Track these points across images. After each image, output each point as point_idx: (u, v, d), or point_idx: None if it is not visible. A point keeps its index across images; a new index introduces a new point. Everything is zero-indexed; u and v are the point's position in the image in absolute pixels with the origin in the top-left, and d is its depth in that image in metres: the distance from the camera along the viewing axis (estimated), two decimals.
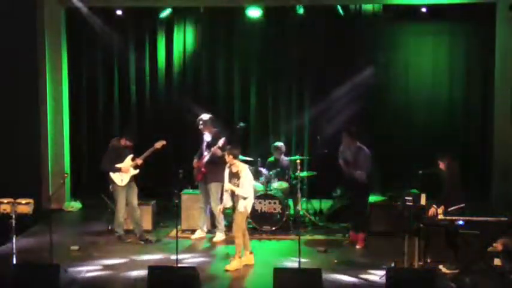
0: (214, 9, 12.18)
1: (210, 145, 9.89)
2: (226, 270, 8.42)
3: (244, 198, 8.50)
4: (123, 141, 9.66)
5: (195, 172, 10.04)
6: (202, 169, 9.87)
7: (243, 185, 8.48)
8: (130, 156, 9.65)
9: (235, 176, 8.57)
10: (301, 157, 10.66)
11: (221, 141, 9.67)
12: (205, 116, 10.00)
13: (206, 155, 9.86)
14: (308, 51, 12.38)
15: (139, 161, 9.67)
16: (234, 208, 8.66)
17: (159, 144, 9.71)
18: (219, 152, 9.65)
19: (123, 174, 9.59)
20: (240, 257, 8.55)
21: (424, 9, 11.64)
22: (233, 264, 8.50)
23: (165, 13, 12.14)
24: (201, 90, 12.71)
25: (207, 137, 9.99)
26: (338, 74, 12.20)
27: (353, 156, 9.37)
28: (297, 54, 12.44)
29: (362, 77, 12.09)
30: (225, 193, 8.82)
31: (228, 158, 8.60)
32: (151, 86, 12.77)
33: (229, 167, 8.67)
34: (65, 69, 12.36)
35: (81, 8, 11.89)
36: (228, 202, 8.78)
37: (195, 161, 10.05)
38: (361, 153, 9.33)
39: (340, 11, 11.87)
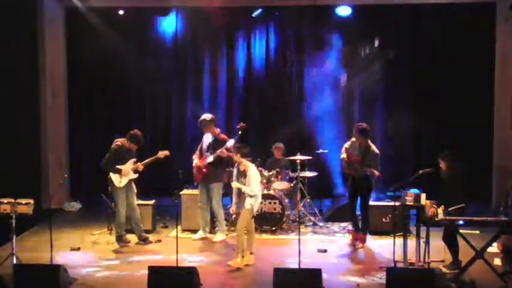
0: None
1: (212, 146, 9.86)
2: (230, 268, 8.43)
3: (251, 196, 8.53)
4: (128, 144, 9.64)
5: (194, 172, 10.01)
6: (204, 170, 9.84)
7: (250, 183, 8.53)
8: (133, 160, 9.64)
9: (242, 174, 8.66)
10: (301, 157, 10.67)
11: (230, 143, 9.62)
12: (207, 116, 9.95)
13: (208, 156, 9.82)
14: (307, 51, 12.42)
15: (140, 167, 9.66)
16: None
17: (162, 154, 9.75)
18: (225, 154, 9.62)
19: (122, 176, 9.58)
20: (242, 256, 8.56)
21: (424, 9, 11.67)
22: (236, 262, 8.51)
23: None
24: (202, 89, 12.71)
25: (209, 137, 9.96)
26: (340, 73, 12.23)
27: (362, 154, 9.34)
28: (298, 54, 12.47)
29: (365, 77, 12.14)
30: (233, 193, 8.92)
31: (236, 157, 8.71)
32: (151, 85, 12.77)
33: (237, 166, 8.75)
34: (65, 68, 12.37)
35: (81, 7, 11.89)
36: (234, 200, 8.90)
37: (196, 161, 10.01)
38: (371, 151, 9.31)
39: None
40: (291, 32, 12.49)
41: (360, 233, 9.58)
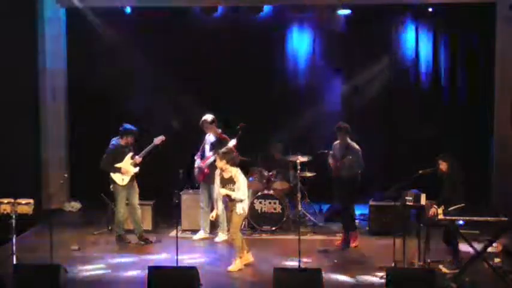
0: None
1: (214, 146, 9.86)
2: (229, 272, 8.41)
3: (241, 201, 8.51)
4: (124, 140, 9.64)
5: (196, 172, 10.02)
6: (206, 170, 9.85)
7: (240, 189, 8.47)
8: (130, 155, 9.64)
9: (229, 181, 8.53)
10: (301, 157, 10.66)
11: (232, 143, 9.59)
12: (209, 117, 9.97)
13: (210, 156, 9.83)
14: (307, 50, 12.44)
15: (138, 160, 9.66)
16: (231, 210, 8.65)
17: (158, 140, 9.70)
18: None
19: (124, 174, 9.58)
20: (240, 257, 8.56)
21: (425, 9, 11.68)
22: (235, 265, 8.51)
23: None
24: (201, 89, 12.71)
25: (211, 137, 9.98)
26: (340, 72, 12.24)
27: (342, 152, 9.38)
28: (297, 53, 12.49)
29: (365, 77, 12.16)
30: (218, 199, 8.76)
31: (221, 163, 8.51)
32: (151, 85, 12.76)
33: (221, 173, 8.63)
34: (65, 68, 12.36)
35: (81, 7, 11.88)
36: (220, 207, 8.77)
37: (198, 161, 10.02)
38: (351, 149, 9.34)
39: None
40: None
41: (349, 232, 9.56)
